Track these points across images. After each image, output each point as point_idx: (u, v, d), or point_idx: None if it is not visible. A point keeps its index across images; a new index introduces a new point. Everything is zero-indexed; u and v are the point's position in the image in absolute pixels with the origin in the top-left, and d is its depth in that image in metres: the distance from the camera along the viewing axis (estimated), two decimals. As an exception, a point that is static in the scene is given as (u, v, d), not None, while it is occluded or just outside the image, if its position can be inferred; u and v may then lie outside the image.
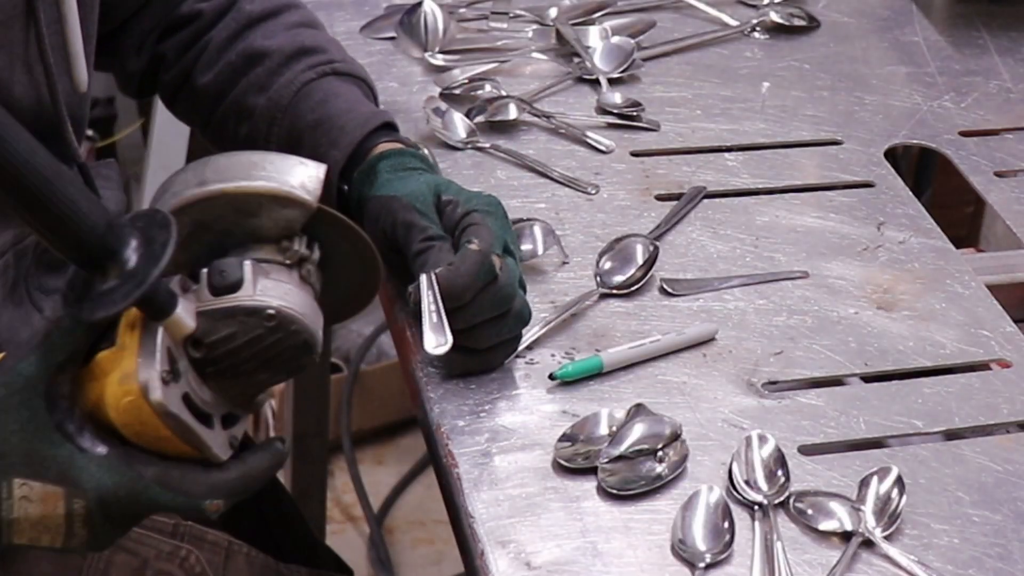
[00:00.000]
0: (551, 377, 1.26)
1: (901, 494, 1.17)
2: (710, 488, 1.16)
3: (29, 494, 1.00)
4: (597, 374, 1.27)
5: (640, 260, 1.38)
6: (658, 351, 1.30)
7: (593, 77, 1.63)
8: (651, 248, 1.38)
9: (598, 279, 1.36)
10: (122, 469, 1.00)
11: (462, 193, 1.27)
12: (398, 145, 1.35)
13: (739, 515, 1.16)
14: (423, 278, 1.21)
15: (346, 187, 1.35)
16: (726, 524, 1.14)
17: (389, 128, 1.37)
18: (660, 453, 1.18)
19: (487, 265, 1.21)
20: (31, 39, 1.23)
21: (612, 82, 1.62)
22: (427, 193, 1.26)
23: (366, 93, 1.41)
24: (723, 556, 1.12)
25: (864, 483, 1.18)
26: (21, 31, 1.21)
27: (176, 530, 1.31)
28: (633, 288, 1.36)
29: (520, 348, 1.28)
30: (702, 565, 1.12)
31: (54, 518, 1.01)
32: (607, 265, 1.37)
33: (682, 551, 1.13)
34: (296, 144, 1.35)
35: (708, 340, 1.32)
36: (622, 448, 1.17)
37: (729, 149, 1.57)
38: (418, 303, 1.21)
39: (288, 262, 1.06)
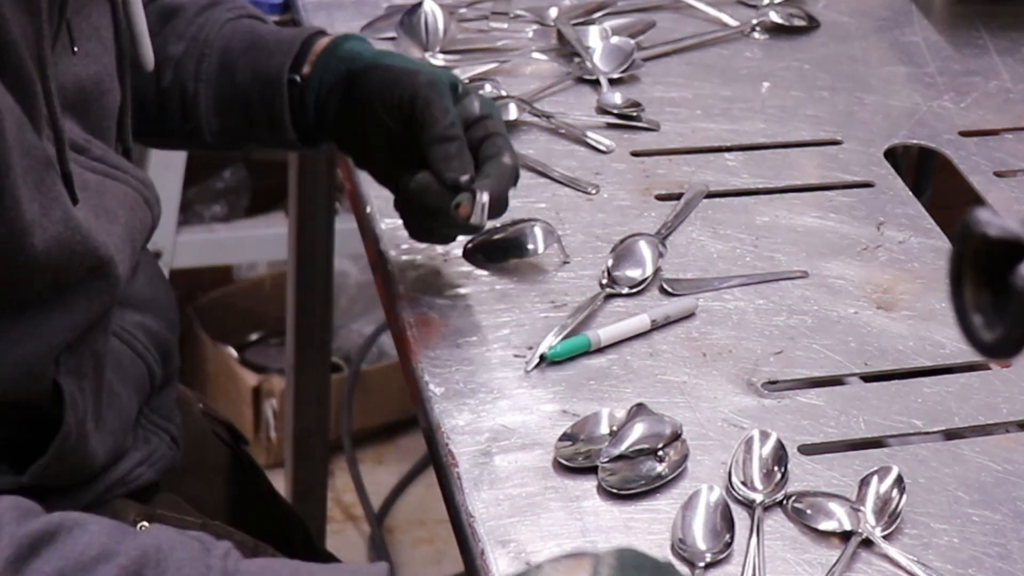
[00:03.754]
0: (542, 358, 1.27)
1: (901, 494, 1.17)
2: (710, 488, 1.16)
3: None
4: (585, 352, 1.29)
5: (650, 260, 1.38)
6: (643, 327, 1.31)
7: (593, 77, 1.63)
8: (660, 248, 1.38)
9: (605, 279, 1.36)
10: None
11: (477, 92, 1.31)
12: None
13: (739, 515, 1.16)
14: (482, 198, 1.25)
15: (298, 78, 1.34)
16: (726, 524, 1.14)
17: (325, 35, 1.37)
18: (660, 453, 1.18)
19: (516, 178, 1.30)
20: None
21: (612, 82, 1.62)
22: (443, 77, 1.28)
23: None
24: (723, 556, 1.13)
25: (864, 483, 1.18)
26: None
27: (204, 529, 1.31)
28: (640, 288, 1.36)
29: (535, 358, 1.28)
30: (702, 565, 1.12)
31: None
32: (616, 265, 1.37)
33: (682, 551, 1.13)
34: (230, 71, 1.34)
35: (689, 315, 1.34)
36: (622, 448, 1.17)
37: (729, 149, 1.57)
38: (467, 219, 1.25)
39: None
